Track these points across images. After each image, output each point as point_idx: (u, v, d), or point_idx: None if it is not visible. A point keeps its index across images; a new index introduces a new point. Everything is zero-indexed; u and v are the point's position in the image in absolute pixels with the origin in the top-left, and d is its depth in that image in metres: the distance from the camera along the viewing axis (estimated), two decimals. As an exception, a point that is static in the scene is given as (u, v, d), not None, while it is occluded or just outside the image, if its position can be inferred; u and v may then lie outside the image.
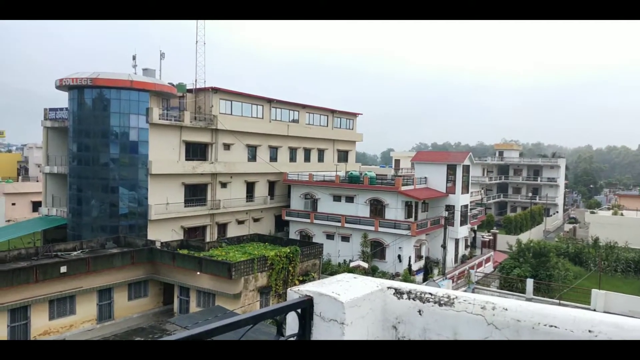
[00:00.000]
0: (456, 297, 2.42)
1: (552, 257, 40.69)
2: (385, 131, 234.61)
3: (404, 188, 41.94)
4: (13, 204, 53.60)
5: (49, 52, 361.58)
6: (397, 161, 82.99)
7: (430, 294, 2.47)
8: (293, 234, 47.19)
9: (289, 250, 30.87)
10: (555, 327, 2.15)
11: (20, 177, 68.68)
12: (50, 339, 25.29)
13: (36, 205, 50.49)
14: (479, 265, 45.52)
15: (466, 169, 46.10)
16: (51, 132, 41.62)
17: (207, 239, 41.12)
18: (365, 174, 46.56)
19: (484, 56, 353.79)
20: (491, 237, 54.37)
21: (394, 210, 42.14)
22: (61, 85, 37.61)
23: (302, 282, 31.03)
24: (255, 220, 47.67)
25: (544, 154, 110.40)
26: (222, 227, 44.49)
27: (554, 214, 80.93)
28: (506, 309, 2.29)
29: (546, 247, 41.19)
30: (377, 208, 43.87)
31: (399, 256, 41.06)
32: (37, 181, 56.78)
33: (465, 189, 46.32)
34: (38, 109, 42.01)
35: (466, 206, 46.98)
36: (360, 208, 44.36)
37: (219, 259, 29.13)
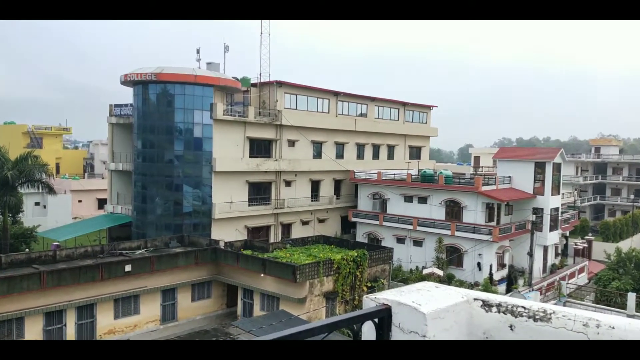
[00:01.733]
0: (553, 312, 2.31)
1: (659, 269, 37.98)
2: (462, 125, 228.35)
3: (484, 188, 40.69)
4: (79, 201, 57.04)
5: (114, 49, 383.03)
6: (477, 158, 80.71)
7: (523, 307, 2.38)
8: (360, 237, 46.81)
9: (356, 254, 30.83)
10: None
11: (86, 174, 73.19)
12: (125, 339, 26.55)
13: (102, 203, 53.00)
14: (571, 276, 43.38)
15: (557, 167, 44.06)
16: (116, 129, 43.67)
17: (271, 240, 41.88)
18: (441, 172, 45.75)
19: (572, 43, 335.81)
20: (585, 245, 51.66)
21: (473, 213, 41.00)
22: (126, 81, 39.45)
23: (371, 288, 30.99)
24: (321, 221, 47.92)
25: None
26: (286, 228, 45.15)
27: (662, 219, 75.30)
28: (613, 327, 2.17)
29: (652, 257, 38.49)
30: (454, 210, 42.84)
31: (479, 264, 39.90)
32: (103, 178, 59.53)
33: (556, 189, 44.36)
34: (104, 105, 44.47)
35: (557, 209, 44.98)
36: (434, 210, 43.50)
37: (284, 261, 29.54)
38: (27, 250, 39.47)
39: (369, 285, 31.16)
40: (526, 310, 2.36)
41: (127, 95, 41.99)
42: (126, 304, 28.12)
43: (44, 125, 76.46)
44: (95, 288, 26.54)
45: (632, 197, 77.38)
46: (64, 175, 64.77)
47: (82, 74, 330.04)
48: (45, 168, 40.28)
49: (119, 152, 43.30)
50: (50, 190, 41.08)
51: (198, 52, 42.80)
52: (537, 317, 2.32)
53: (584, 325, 2.22)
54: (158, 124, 39.42)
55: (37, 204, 53.61)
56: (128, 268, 27.63)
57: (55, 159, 70.32)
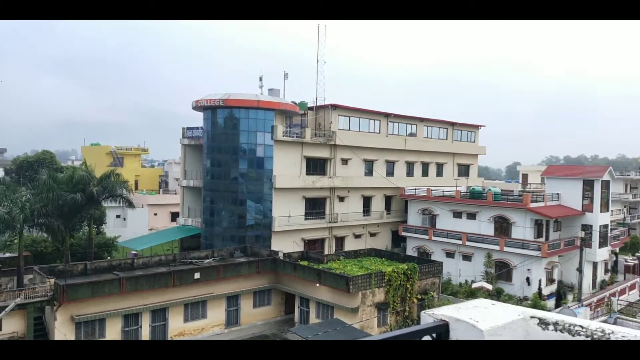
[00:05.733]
0: (612, 332, 2.17)
1: None
2: (510, 144, 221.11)
3: (533, 205, 39.21)
4: (155, 214, 58.64)
5: (183, 74, 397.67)
6: (525, 176, 77.81)
7: (580, 326, 2.25)
8: (410, 250, 46.10)
9: (406, 267, 30.29)
10: None
11: (161, 190, 75.29)
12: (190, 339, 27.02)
13: (174, 216, 54.19)
14: (622, 292, 40.87)
15: (605, 185, 41.82)
16: (188, 149, 45.04)
17: (326, 252, 41.79)
18: (489, 189, 44.30)
19: (615, 61, 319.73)
20: (636, 262, 48.54)
21: (522, 229, 39.50)
22: (197, 106, 40.84)
23: (421, 300, 30.34)
24: (372, 234, 47.61)
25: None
26: (340, 241, 45.04)
27: None
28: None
29: None
30: (503, 226, 41.43)
31: (528, 279, 38.25)
32: (176, 194, 60.48)
33: (605, 206, 42.13)
34: (177, 128, 46.06)
35: (606, 226, 42.71)
36: (483, 225, 42.24)
37: (337, 272, 29.38)
38: (109, 258, 40.81)
39: (419, 297, 30.50)
40: (584, 330, 2.23)
41: (197, 119, 43.04)
42: (195, 309, 28.70)
43: (124, 146, 79.81)
44: (168, 293, 27.23)
45: (684, 214, 72.19)
46: (142, 191, 67.05)
47: (159, 100, 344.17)
48: (125, 184, 41.53)
49: (190, 170, 44.39)
50: (130, 205, 42.20)
51: (261, 79, 43.75)
52: (595, 336, 2.19)
53: (644, 346, 2.06)
54: (225, 145, 40.42)
55: (118, 216, 55.31)
56: (197, 276, 28.23)
57: (134, 176, 72.92)
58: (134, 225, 53.11)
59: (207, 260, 32.53)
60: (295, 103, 42.80)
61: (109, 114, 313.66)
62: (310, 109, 44.19)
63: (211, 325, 29.26)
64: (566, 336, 2.24)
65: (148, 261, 31.22)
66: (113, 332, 25.22)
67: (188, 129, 45.08)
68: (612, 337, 2.14)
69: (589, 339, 2.18)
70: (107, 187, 39.46)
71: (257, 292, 31.66)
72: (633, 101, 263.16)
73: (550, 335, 2.29)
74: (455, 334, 2.24)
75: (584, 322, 2.27)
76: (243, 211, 40.18)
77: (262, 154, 40.15)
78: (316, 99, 44.22)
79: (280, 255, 33.43)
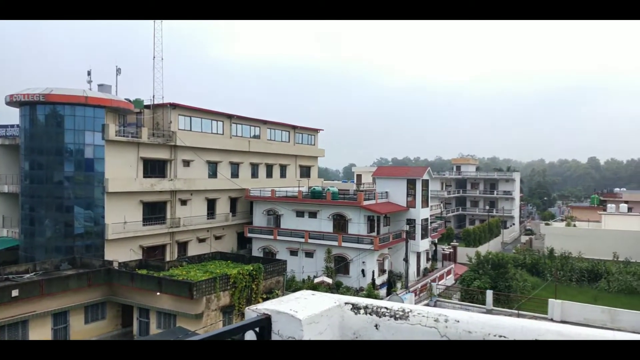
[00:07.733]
0: (410, 311, 2.49)
1: (510, 269, 41.80)
2: (347, 146, 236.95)
3: (366, 203, 41.99)
4: (-40, 226, 50.73)
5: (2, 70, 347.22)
6: (359, 176, 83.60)
7: (386, 308, 2.54)
8: (256, 251, 46.64)
9: (252, 268, 30.54)
10: (505, 337, 2.25)
11: None
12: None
13: None
14: (441, 277, 46.27)
15: (425, 184, 46.85)
16: (1, 150, 40.45)
17: (167, 259, 40.32)
18: (328, 189, 46.37)
19: (437, 68, 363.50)
20: (451, 250, 55.28)
21: (357, 225, 42.17)
22: (12, 101, 36.27)
23: (266, 300, 30.58)
24: (217, 238, 47.02)
25: (499, 167, 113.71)
26: (183, 246, 43.70)
27: (511, 226, 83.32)
28: (458, 321, 2.38)
29: (504, 259, 42.28)
30: (340, 223, 43.81)
31: (363, 271, 41.24)
32: None
33: (425, 202, 46.89)
34: None
35: (426, 220, 47.53)
36: (323, 223, 44.24)
37: (180, 279, 28.58)
38: None
39: (265, 297, 30.90)
40: (388, 311, 2.52)
41: (12, 116, 38.37)
42: (13, 330, 25.58)
43: None
44: (-23, 316, 23.73)
45: (487, 207, 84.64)
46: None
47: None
48: None
49: (4, 174, 39.77)
50: None
51: (89, 74, 40.14)
52: (397, 316, 2.48)
53: (435, 320, 2.41)
54: (47, 145, 36.44)
55: None
56: (15, 293, 25.25)
57: None
58: None
59: (28, 275, 29.45)
60: (130, 100, 39.99)
61: None
62: (148, 107, 41.79)
63: (34, 348, 26.10)
64: (375, 318, 2.49)
65: (-50, 281, 26.88)
66: None
67: (1, 126, 40.06)
68: (411, 316, 2.43)
69: (392, 318, 2.45)
70: None
71: (89, 306, 29.30)
72: (453, 111, 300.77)
73: (362, 318, 2.52)
74: (277, 326, 2.35)
75: (388, 304, 2.54)
76: (70, 219, 36.67)
77: (92, 155, 37.03)
78: (153, 97, 42.15)
79: (115, 265, 31.62)
